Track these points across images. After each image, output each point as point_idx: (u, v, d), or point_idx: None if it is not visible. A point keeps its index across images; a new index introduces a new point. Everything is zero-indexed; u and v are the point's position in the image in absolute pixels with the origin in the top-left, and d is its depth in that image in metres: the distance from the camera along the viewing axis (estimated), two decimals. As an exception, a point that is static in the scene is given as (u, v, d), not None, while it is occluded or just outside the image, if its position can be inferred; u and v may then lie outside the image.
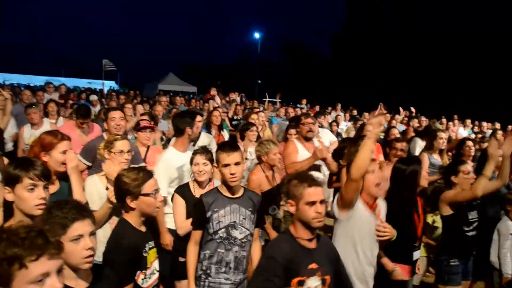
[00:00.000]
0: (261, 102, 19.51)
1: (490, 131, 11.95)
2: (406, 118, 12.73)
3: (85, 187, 3.49)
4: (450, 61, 40.08)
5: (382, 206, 3.61)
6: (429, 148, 6.31)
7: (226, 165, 3.15)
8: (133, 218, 2.73)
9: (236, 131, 8.00)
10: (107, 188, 3.35)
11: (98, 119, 7.35)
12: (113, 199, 2.94)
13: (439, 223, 4.76)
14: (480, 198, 4.61)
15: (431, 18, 43.80)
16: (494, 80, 35.96)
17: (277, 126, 9.65)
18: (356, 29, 51.89)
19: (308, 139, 5.41)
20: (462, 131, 13.57)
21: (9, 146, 6.69)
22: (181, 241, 3.60)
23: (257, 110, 9.90)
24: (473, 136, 10.85)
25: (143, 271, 2.69)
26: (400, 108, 12.66)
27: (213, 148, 4.13)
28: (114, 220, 3.21)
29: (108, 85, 32.71)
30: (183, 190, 3.81)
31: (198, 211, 3.24)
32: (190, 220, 3.40)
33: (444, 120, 14.54)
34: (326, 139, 6.93)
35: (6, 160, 4.37)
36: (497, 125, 14.11)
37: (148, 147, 5.04)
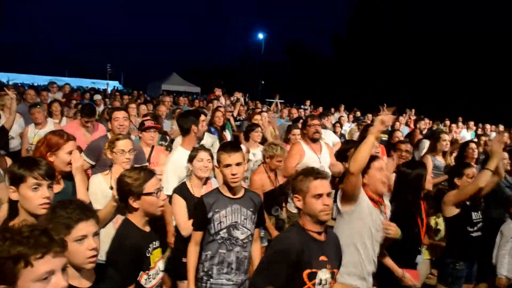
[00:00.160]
0: (264, 103, 19.54)
1: (494, 133, 11.91)
2: (409, 120, 12.72)
3: (89, 186, 3.52)
4: (450, 61, 40.05)
5: (387, 204, 3.60)
6: (432, 150, 6.30)
7: (228, 166, 3.15)
8: (136, 218, 2.73)
9: (239, 132, 8.01)
10: (111, 188, 3.37)
11: (101, 119, 7.36)
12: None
13: (441, 225, 4.76)
14: (484, 199, 4.62)
15: (431, 18, 43.79)
16: (494, 81, 35.93)
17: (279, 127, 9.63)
18: (356, 29, 51.90)
19: (314, 141, 5.41)
20: (465, 133, 13.53)
21: (16, 144, 6.73)
22: (183, 241, 3.59)
23: (259, 110, 9.89)
24: (475, 139, 10.82)
25: (146, 272, 2.69)
26: (407, 109, 12.66)
27: (217, 148, 4.14)
28: (118, 219, 3.23)
29: (112, 85, 32.80)
30: (182, 190, 3.79)
31: (199, 212, 3.23)
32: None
33: (447, 122, 14.53)
34: (329, 140, 6.94)
35: (9, 161, 4.40)
36: (501, 127, 14.08)
37: (153, 147, 5.05)
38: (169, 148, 5.97)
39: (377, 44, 46.85)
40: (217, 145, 5.24)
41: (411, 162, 4.21)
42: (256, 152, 5.95)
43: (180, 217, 3.68)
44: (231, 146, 3.28)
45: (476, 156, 6.03)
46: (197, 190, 3.76)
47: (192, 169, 3.85)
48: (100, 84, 34.56)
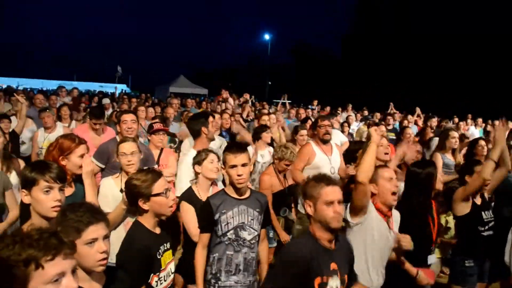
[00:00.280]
0: (271, 104, 19.51)
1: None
2: (417, 118, 12.65)
3: (100, 189, 3.56)
4: (450, 61, 40.08)
5: (396, 217, 3.56)
6: (441, 148, 6.25)
7: (233, 166, 3.13)
8: (147, 220, 2.73)
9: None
10: (121, 190, 3.38)
11: (110, 122, 7.41)
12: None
13: (451, 224, 4.73)
14: (495, 197, 4.57)
15: (431, 18, 43.69)
16: (494, 80, 35.90)
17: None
18: (357, 29, 51.86)
19: (325, 142, 5.38)
20: (473, 130, 13.44)
21: (28, 148, 6.79)
22: (194, 244, 3.57)
23: (266, 111, 9.89)
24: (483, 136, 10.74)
25: (157, 274, 2.69)
26: (417, 108, 12.60)
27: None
28: (129, 221, 3.24)
29: (120, 88, 32.99)
30: (189, 196, 3.77)
31: (205, 214, 3.21)
32: None
33: (456, 120, 14.43)
34: (337, 140, 6.91)
35: (22, 163, 4.46)
36: (510, 124, 13.95)
37: (162, 149, 5.07)
38: (177, 150, 5.99)
39: (376, 44, 46.81)
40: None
41: (421, 161, 4.17)
42: (264, 154, 5.95)
43: (190, 224, 3.64)
44: (237, 147, 3.26)
45: (485, 153, 5.96)
46: (204, 194, 3.73)
47: (200, 172, 3.85)
48: (108, 87, 34.79)
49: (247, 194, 3.27)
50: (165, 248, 2.79)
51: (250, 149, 5.87)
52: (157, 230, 2.78)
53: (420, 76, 41.16)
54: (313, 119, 7.91)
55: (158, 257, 2.70)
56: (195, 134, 4.61)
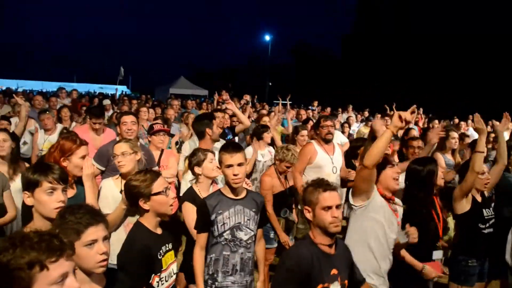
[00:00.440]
0: (272, 104, 19.50)
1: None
2: (418, 118, 12.64)
3: (100, 190, 3.55)
4: (450, 61, 40.16)
5: (399, 209, 3.57)
6: (441, 148, 6.25)
7: (229, 166, 3.13)
8: (148, 220, 2.73)
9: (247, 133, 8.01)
10: (121, 191, 3.39)
11: (110, 124, 7.41)
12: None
13: (450, 224, 4.72)
14: (495, 197, 4.57)
15: (431, 18, 43.73)
16: (494, 80, 35.91)
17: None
18: (357, 29, 51.89)
19: (327, 142, 5.40)
20: (473, 131, 13.41)
21: (28, 150, 6.80)
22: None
23: (266, 112, 9.90)
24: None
25: (158, 274, 2.69)
26: (420, 109, 12.61)
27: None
28: (129, 223, 3.25)
29: (120, 89, 32.99)
30: (191, 197, 3.79)
31: (202, 214, 3.22)
32: None
33: (456, 120, 14.42)
34: (338, 141, 6.92)
35: (27, 164, 4.46)
36: (510, 125, 13.93)
37: (162, 150, 5.07)
38: (179, 151, 6.00)
39: (376, 44, 46.85)
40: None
41: (421, 158, 4.18)
42: (264, 153, 5.96)
43: (193, 224, 3.66)
44: (233, 147, 3.25)
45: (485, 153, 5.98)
46: (205, 194, 3.74)
47: (201, 173, 3.87)
48: (108, 89, 34.76)
49: (243, 194, 3.27)
50: (167, 248, 2.78)
51: (250, 149, 5.89)
52: (159, 231, 2.78)
53: (420, 76, 41.22)
54: (314, 120, 7.92)
55: (159, 257, 2.70)
56: (200, 136, 4.65)
